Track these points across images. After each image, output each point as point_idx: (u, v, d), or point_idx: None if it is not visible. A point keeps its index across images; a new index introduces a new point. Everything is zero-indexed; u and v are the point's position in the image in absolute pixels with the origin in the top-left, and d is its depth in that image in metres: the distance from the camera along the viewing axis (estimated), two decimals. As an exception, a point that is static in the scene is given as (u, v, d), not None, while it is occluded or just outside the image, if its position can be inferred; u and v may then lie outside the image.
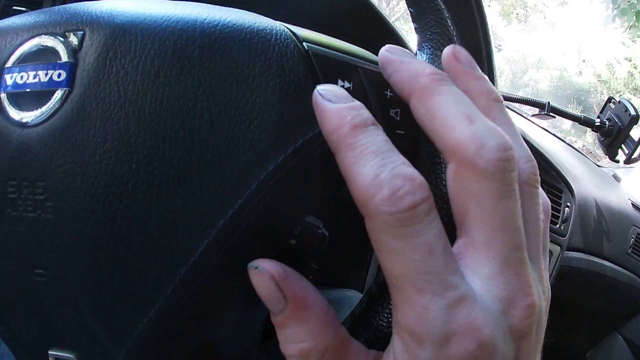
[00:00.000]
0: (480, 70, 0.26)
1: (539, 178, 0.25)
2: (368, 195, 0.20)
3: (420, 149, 0.28)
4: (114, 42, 0.25)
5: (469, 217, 0.22)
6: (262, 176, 0.24)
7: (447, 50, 0.26)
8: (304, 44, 0.26)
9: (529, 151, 0.26)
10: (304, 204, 0.27)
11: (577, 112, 1.17)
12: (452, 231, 0.23)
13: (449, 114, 0.22)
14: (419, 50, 0.30)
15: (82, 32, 0.26)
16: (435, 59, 0.29)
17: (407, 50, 0.26)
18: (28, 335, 0.28)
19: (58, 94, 0.25)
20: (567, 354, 1.41)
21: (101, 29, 0.25)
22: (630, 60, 9.18)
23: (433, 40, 0.29)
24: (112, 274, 0.25)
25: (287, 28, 0.27)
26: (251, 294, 0.26)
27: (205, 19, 0.26)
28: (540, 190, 0.26)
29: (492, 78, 0.29)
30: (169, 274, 0.25)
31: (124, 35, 0.25)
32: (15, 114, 0.26)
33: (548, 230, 0.27)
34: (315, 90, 0.24)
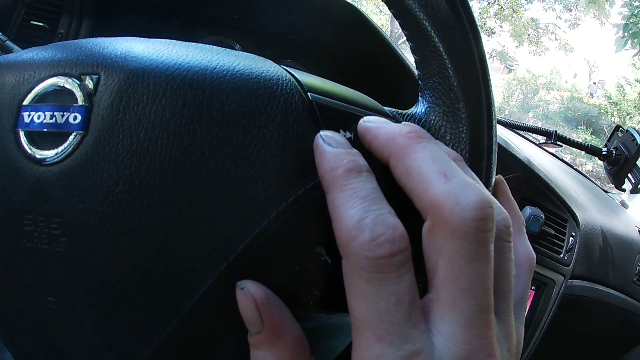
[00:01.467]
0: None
1: (511, 231, 0.25)
2: (350, 236, 0.21)
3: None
4: (127, 88, 0.26)
5: (438, 274, 0.22)
6: (264, 223, 0.25)
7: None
8: (309, 94, 0.27)
9: (499, 204, 0.26)
10: (304, 247, 0.28)
11: (584, 139, 1.18)
12: (425, 284, 0.24)
13: (425, 172, 0.23)
14: (420, 97, 0.31)
15: (97, 76, 0.27)
16: (435, 108, 0.30)
17: (384, 118, 0.27)
18: (38, 357, 0.29)
19: (74, 136, 0.26)
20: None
21: (115, 74, 0.27)
22: (641, 82, 9.15)
23: (435, 89, 0.30)
24: (120, 305, 0.26)
25: (293, 76, 0.28)
26: None
27: (214, 68, 0.27)
28: (524, 242, 0.27)
29: (490, 127, 0.30)
30: (174, 310, 0.26)
31: (137, 82, 0.26)
32: (31, 151, 0.27)
33: (529, 282, 0.28)
34: (318, 134, 0.26)
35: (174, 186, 0.25)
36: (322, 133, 0.25)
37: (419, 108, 0.31)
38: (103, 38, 0.30)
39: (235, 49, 0.86)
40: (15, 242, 0.27)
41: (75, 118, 0.26)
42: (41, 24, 0.85)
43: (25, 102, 0.28)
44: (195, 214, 0.25)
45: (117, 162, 0.25)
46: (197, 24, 0.88)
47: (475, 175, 0.27)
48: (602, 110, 9.74)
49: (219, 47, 0.30)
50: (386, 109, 0.31)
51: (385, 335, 0.20)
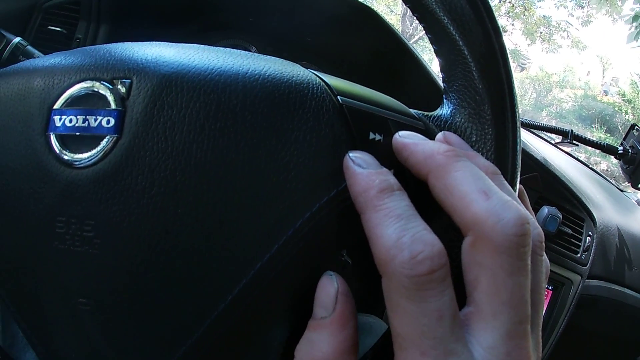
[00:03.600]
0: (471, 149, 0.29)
1: (544, 245, 0.26)
2: (389, 256, 0.22)
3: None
4: (161, 92, 0.26)
5: (479, 288, 0.23)
6: (297, 223, 0.26)
7: (438, 137, 0.28)
8: (339, 97, 0.28)
9: (534, 218, 0.26)
10: (335, 248, 0.28)
11: (598, 137, 1.17)
12: (461, 296, 0.24)
13: (466, 190, 0.23)
14: (445, 99, 0.31)
15: (129, 80, 0.27)
16: (461, 110, 0.30)
17: (419, 134, 0.28)
18: (67, 357, 0.30)
19: (107, 139, 0.27)
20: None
21: (148, 79, 0.27)
22: (655, 79, 9.03)
23: (460, 91, 0.30)
24: (153, 307, 0.27)
25: (323, 81, 0.28)
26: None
27: (246, 73, 0.27)
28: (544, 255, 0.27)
29: (514, 128, 0.30)
30: (207, 310, 0.26)
31: (170, 86, 0.26)
32: (63, 154, 0.27)
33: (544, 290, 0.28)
34: (347, 155, 0.26)
35: (208, 189, 0.25)
36: (352, 154, 0.26)
37: (445, 110, 0.31)
38: (131, 43, 0.31)
39: (252, 52, 0.87)
40: (46, 244, 0.27)
41: (108, 122, 0.27)
42: (59, 29, 0.86)
43: (56, 106, 0.28)
44: (229, 215, 0.25)
45: (152, 165, 0.26)
46: (212, 28, 0.88)
47: (512, 190, 0.27)
48: (616, 108, 9.63)
49: (247, 52, 0.30)
50: (412, 111, 0.31)
51: (429, 351, 0.21)
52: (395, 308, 0.22)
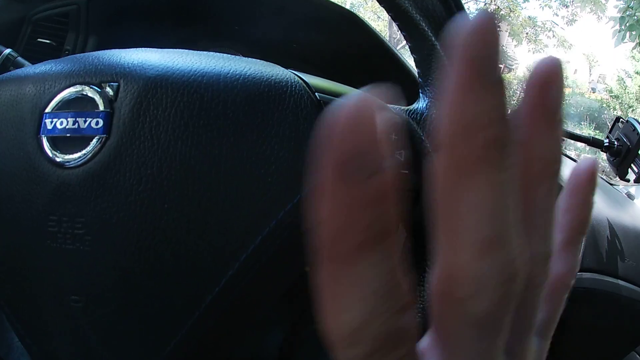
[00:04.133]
0: (559, 122, 0.18)
1: (543, 286, 0.19)
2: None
3: (423, 187, 0.30)
4: (146, 94, 0.27)
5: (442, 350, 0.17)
6: (280, 214, 0.27)
7: (543, 66, 0.18)
8: (316, 94, 0.29)
9: (553, 242, 0.19)
10: None
11: (587, 134, 1.18)
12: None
13: (464, 229, 0.15)
14: (421, 93, 0.33)
15: (117, 83, 0.28)
16: (435, 103, 0.31)
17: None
18: (62, 355, 0.30)
19: (96, 140, 0.28)
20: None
21: (134, 82, 0.28)
22: (641, 75, 9.15)
23: (434, 84, 0.32)
24: (144, 300, 0.28)
25: (301, 79, 0.29)
26: (269, 317, 0.28)
27: (227, 73, 0.28)
28: (573, 258, 0.22)
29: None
30: (196, 302, 0.27)
31: (155, 88, 0.27)
32: (54, 155, 0.28)
33: (563, 302, 0.23)
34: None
35: (194, 183, 0.26)
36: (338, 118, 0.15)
37: (420, 104, 0.32)
38: (119, 49, 0.32)
39: (238, 58, 0.88)
40: (39, 243, 0.28)
41: (97, 123, 0.28)
42: (48, 41, 0.87)
43: (48, 110, 0.29)
44: (214, 208, 0.26)
45: (139, 162, 0.27)
46: (200, 37, 0.89)
47: (551, 220, 0.19)
48: (604, 105, 9.72)
49: (229, 55, 0.31)
50: (389, 105, 0.32)
51: None
52: None
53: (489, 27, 0.15)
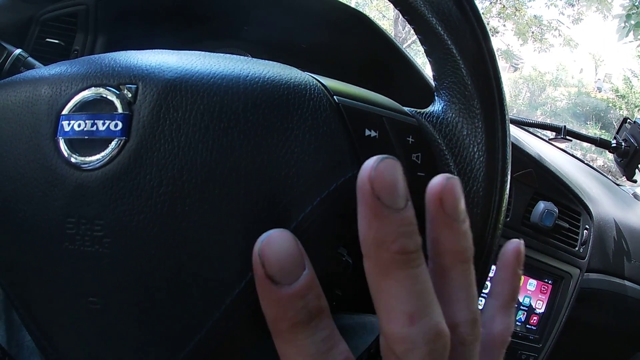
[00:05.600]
0: (460, 222, 0.23)
1: (477, 345, 0.25)
2: None
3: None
4: (166, 96, 0.28)
5: None
6: (300, 217, 0.27)
7: (434, 187, 0.23)
8: (335, 97, 0.29)
9: (478, 310, 0.25)
10: (335, 241, 0.29)
11: (593, 134, 1.18)
12: None
13: (393, 306, 0.21)
14: (436, 96, 0.33)
15: (135, 86, 0.28)
16: (451, 106, 0.32)
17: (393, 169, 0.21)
18: (76, 357, 0.30)
19: (115, 142, 0.28)
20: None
21: (153, 84, 0.28)
22: (647, 73, 9.09)
23: (450, 88, 0.32)
24: (163, 303, 0.28)
25: (320, 82, 0.30)
26: None
27: (247, 76, 0.28)
28: (507, 318, 0.28)
29: (503, 121, 0.31)
30: (215, 304, 0.27)
31: (174, 90, 0.28)
32: (72, 157, 0.28)
33: (501, 358, 0.28)
34: (257, 243, 0.22)
35: (214, 185, 0.27)
36: (263, 241, 0.22)
37: (436, 106, 0.33)
38: (135, 51, 0.32)
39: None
40: (57, 245, 0.28)
41: (116, 125, 0.28)
42: (56, 41, 0.87)
43: (65, 112, 0.29)
44: (235, 210, 0.27)
45: (160, 165, 0.27)
46: (208, 37, 0.89)
47: (471, 284, 0.25)
48: (610, 104, 9.68)
49: (247, 57, 0.31)
50: (405, 109, 0.32)
51: None
52: None
53: (387, 170, 0.21)
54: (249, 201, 0.27)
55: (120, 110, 0.28)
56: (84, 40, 0.86)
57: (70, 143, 0.29)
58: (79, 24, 0.87)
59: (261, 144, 0.27)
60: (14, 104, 0.31)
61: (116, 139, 0.28)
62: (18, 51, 0.63)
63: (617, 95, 9.66)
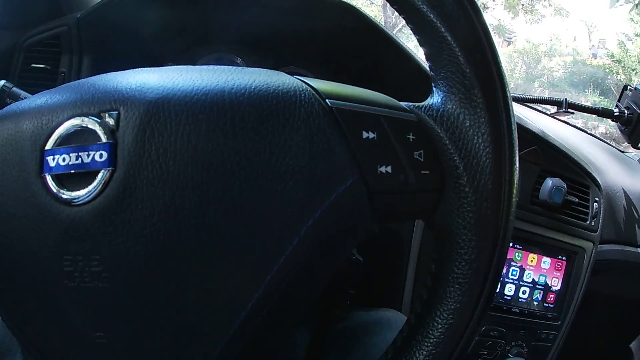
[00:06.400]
0: None
1: None
2: None
3: (446, 185, 0.29)
4: (149, 120, 0.26)
5: None
6: (302, 231, 0.26)
7: None
8: (327, 100, 0.28)
9: None
10: (341, 251, 0.28)
11: (592, 102, 1.16)
12: None
13: None
14: (434, 87, 0.31)
15: (116, 112, 0.27)
16: (451, 97, 0.30)
17: None
18: None
19: (102, 173, 0.27)
20: (610, 347, 1.38)
21: (135, 108, 0.27)
22: (640, 36, 9.03)
23: (448, 78, 0.30)
24: (170, 331, 0.27)
25: (310, 86, 0.28)
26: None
27: (232, 88, 0.27)
28: None
29: (507, 107, 0.30)
30: (223, 328, 0.26)
31: (157, 112, 0.26)
32: (61, 193, 0.27)
33: None
34: None
35: (208, 208, 0.25)
36: None
37: (435, 99, 0.31)
38: (114, 73, 0.31)
39: (237, 63, 0.87)
40: (56, 283, 0.28)
41: (101, 156, 0.27)
42: (42, 66, 0.86)
43: (48, 147, 0.28)
44: (232, 232, 0.26)
45: (150, 193, 0.26)
46: (196, 44, 0.88)
47: None
48: (607, 70, 9.60)
49: (231, 67, 0.30)
50: (403, 104, 0.31)
51: None
52: None
53: None
54: (245, 221, 0.26)
55: (103, 139, 0.27)
56: (70, 62, 0.85)
57: (57, 179, 0.28)
58: (63, 45, 0.86)
59: (253, 159, 0.26)
60: None
61: (103, 170, 0.27)
62: (1, 82, 0.63)
63: (613, 61, 9.58)
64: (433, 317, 0.29)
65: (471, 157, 0.29)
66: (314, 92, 0.28)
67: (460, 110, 0.30)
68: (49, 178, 0.28)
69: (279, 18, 0.80)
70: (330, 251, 0.27)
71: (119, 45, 0.86)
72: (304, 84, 0.28)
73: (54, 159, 0.28)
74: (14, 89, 0.63)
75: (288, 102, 0.27)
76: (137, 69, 0.31)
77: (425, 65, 0.81)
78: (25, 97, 0.61)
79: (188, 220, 0.25)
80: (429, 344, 0.29)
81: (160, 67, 0.31)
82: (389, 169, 0.27)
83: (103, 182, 0.27)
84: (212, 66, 0.30)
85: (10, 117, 0.30)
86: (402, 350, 0.30)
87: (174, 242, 0.26)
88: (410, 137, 0.29)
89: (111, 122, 0.27)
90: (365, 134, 0.27)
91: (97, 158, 0.27)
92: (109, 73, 0.31)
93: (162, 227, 0.26)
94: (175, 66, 0.31)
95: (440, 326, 0.29)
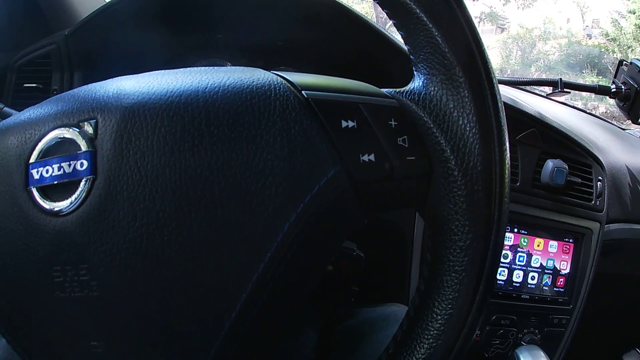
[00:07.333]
0: None
1: None
2: None
3: (434, 170, 0.28)
4: (126, 125, 0.26)
5: None
6: (285, 227, 0.25)
7: None
8: (303, 92, 0.27)
9: None
10: (331, 244, 0.28)
11: (591, 82, 1.15)
12: None
13: None
14: (415, 71, 0.30)
15: (94, 120, 0.27)
16: (432, 79, 0.29)
17: None
18: None
19: (84, 182, 0.26)
20: (624, 328, 1.37)
21: (112, 114, 0.27)
22: (634, 13, 8.98)
23: (427, 60, 0.29)
24: (161, 336, 0.26)
25: (285, 79, 0.28)
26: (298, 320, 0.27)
27: (206, 88, 0.27)
28: None
29: (491, 84, 0.29)
30: (214, 331, 0.26)
31: (133, 117, 0.26)
32: (47, 205, 0.27)
33: None
34: None
35: (189, 210, 0.25)
36: None
37: (416, 83, 0.30)
38: (94, 83, 0.31)
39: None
40: (48, 295, 0.27)
41: (82, 164, 0.27)
42: (34, 85, 0.87)
43: (32, 160, 0.28)
44: (215, 233, 0.25)
45: (131, 198, 0.25)
46: (187, 51, 0.88)
47: None
48: (603, 49, 9.56)
49: (207, 67, 0.30)
50: (383, 90, 0.30)
51: None
52: None
53: None
54: (227, 220, 0.25)
55: (83, 148, 0.27)
56: (61, 79, 0.86)
57: (42, 191, 0.28)
58: (53, 63, 0.86)
59: (230, 157, 0.25)
60: None
61: (84, 179, 0.26)
62: None
63: (608, 40, 9.55)
64: (432, 308, 0.28)
65: (457, 139, 0.28)
66: (289, 85, 0.27)
67: (442, 92, 0.29)
68: (34, 190, 0.28)
69: (265, 21, 0.80)
70: (318, 245, 0.27)
71: (108, 58, 0.86)
72: (278, 78, 0.28)
73: (38, 172, 0.28)
74: (5, 109, 0.64)
75: (263, 97, 0.27)
76: (116, 78, 0.31)
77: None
78: (14, 117, 0.61)
79: (170, 223, 0.25)
80: (430, 337, 0.28)
81: (138, 74, 0.30)
82: (372, 157, 0.27)
83: (85, 190, 0.26)
84: (188, 68, 0.30)
85: None
86: (402, 345, 0.29)
87: (158, 246, 0.25)
88: (392, 123, 0.28)
89: (90, 130, 0.27)
90: (344, 123, 0.27)
91: (78, 167, 0.27)
92: (89, 84, 0.31)
93: (144, 233, 0.25)
94: (154, 72, 0.30)
95: (439, 317, 0.28)
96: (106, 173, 0.26)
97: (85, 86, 0.31)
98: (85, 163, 0.26)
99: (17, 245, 0.28)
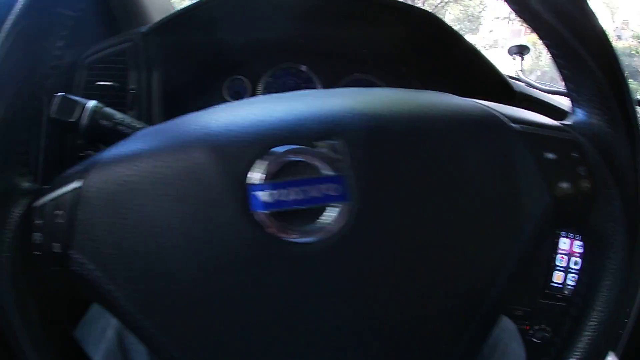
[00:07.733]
0: None
1: None
2: None
3: (598, 194, 0.32)
4: (371, 147, 0.27)
5: None
6: (513, 262, 0.30)
7: None
8: (512, 125, 0.31)
9: None
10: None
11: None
12: None
13: None
14: (576, 107, 0.34)
15: (336, 141, 0.26)
16: (592, 116, 0.33)
17: None
18: None
19: (338, 207, 0.26)
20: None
21: (354, 135, 0.27)
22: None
23: (592, 100, 0.33)
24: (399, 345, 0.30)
25: (494, 110, 0.31)
26: None
27: (440, 106, 0.30)
28: None
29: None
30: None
31: (382, 138, 0.27)
32: (283, 234, 0.26)
33: None
34: None
35: (438, 235, 0.28)
36: None
37: (579, 116, 0.34)
38: (308, 97, 0.30)
39: (303, 71, 0.86)
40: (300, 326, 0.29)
41: (336, 189, 0.25)
42: (109, 83, 0.84)
43: (255, 181, 0.26)
44: (461, 252, 0.29)
45: (390, 221, 0.27)
46: (264, 54, 0.87)
47: None
48: (633, 51, 9.38)
49: (404, 89, 0.32)
50: (557, 123, 0.34)
51: None
52: None
53: None
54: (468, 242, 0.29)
55: (328, 172, 0.26)
56: (139, 78, 0.84)
57: (276, 216, 0.26)
58: (129, 62, 0.84)
59: (470, 180, 0.29)
60: (169, 176, 0.27)
61: (340, 205, 0.26)
62: (92, 103, 0.60)
63: (638, 42, 9.35)
64: (593, 307, 0.33)
65: (618, 171, 0.32)
66: (498, 116, 0.31)
67: (606, 130, 0.33)
68: (263, 215, 0.26)
69: (349, 29, 0.79)
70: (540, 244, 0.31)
71: (185, 59, 0.85)
72: (494, 111, 0.31)
73: (271, 195, 0.26)
74: (105, 109, 0.61)
75: (484, 126, 0.30)
76: (327, 90, 0.32)
77: (494, 64, 0.80)
78: (119, 117, 0.59)
79: (424, 251, 0.28)
80: (592, 329, 0.32)
81: (333, 90, 0.32)
82: (567, 185, 0.31)
83: (338, 216, 0.26)
84: (389, 89, 0.33)
85: (197, 148, 0.27)
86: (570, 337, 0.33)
87: (422, 264, 0.28)
88: (575, 155, 0.31)
89: (332, 154, 0.26)
90: (545, 154, 0.30)
91: (330, 191, 0.25)
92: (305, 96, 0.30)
93: (396, 255, 0.27)
94: (358, 89, 0.33)
95: (600, 313, 0.32)
96: (361, 198, 0.26)
97: (294, 99, 0.30)
98: (339, 188, 0.26)
99: (245, 277, 0.27)
